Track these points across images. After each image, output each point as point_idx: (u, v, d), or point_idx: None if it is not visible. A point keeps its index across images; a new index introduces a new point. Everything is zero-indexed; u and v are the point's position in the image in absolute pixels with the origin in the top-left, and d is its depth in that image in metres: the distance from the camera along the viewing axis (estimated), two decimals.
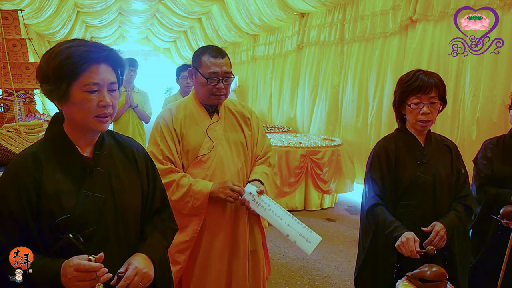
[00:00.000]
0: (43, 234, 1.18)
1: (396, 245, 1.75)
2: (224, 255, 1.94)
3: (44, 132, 1.38)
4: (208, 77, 1.88)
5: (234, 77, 1.97)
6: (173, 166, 1.90)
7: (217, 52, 1.92)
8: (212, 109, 2.00)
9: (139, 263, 1.25)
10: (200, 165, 1.92)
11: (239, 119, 2.05)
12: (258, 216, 1.98)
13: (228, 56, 1.96)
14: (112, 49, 1.24)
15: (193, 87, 2.03)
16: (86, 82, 1.17)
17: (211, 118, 1.99)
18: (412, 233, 1.75)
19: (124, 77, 1.32)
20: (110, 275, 1.15)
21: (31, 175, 1.18)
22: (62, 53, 1.16)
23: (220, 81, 1.90)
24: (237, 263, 1.96)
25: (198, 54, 1.94)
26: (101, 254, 1.14)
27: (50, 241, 1.17)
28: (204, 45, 2.33)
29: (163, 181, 1.77)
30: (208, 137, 1.94)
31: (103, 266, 1.13)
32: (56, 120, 1.29)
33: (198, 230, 1.89)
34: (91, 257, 1.12)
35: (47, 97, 1.23)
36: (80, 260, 1.11)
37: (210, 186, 1.85)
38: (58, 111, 1.29)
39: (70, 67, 1.14)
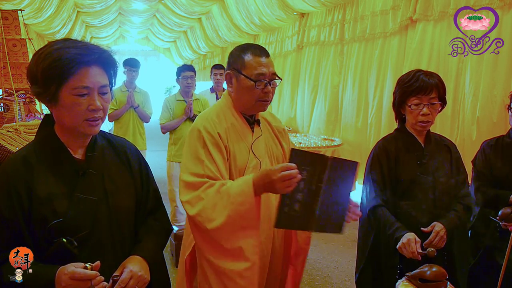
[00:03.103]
0: (36, 238, 1.16)
1: (397, 246, 1.75)
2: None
3: None
4: (256, 79, 1.60)
5: (281, 79, 1.70)
6: (209, 181, 1.50)
7: (261, 50, 1.65)
8: (252, 119, 1.72)
9: (134, 266, 1.22)
10: None
11: (276, 131, 1.82)
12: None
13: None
14: (104, 50, 1.21)
15: (230, 93, 1.71)
16: (75, 85, 1.14)
17: (253, 131, 1.71)
18: (413, 234, 1.75)
19: (116, 78, 1.28)
20: (105, 284, 1.12)
21: (22, 179, 1.16)
22: (52, 55, 1.13)
23: (268, 84, 1.62)
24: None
25: (239, 54, 1.65)
26: (98, 262, 1.12)
27: (43, 245, 1.15)
28: (204, 44, 2.15)
29: (193, 211, 1.46)
30: (253, 154, 1.67)
31: (99, 274, 1.11)
32: (47, 122, 1.26)
33: (257, 247, 1.45)
34: (87, 265, 1.10)
35: (36, 99, 1.21)
36: (76, 268, 1.09)
37: (251, 179, 1.43)
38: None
39: (59, 70, 1.11)
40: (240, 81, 1.63)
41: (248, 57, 1.62)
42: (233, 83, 1.67)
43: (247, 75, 1.61)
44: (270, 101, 1.68)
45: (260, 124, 1.75)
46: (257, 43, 1.75)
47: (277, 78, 1.65)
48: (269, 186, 1.38)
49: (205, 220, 1.44)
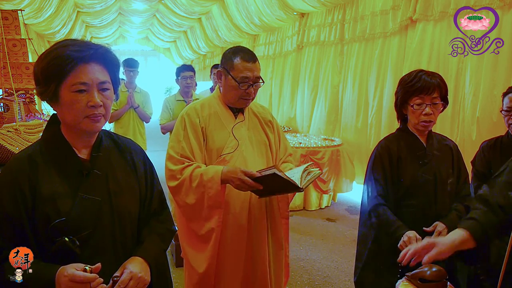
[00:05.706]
0: (39, 237, 1.16)
1: (398, 245, 1.76)
2: (241, 257, 1.90)
3: None
4: (240, 81, 1.85)
5: (264, 82, 1.95)
6: (187, 162, 1.86)
7: (250, 56, 1.88)
8: (237, 109, 1.99)
9: (135, 267, 1.22)
10: (223, 164, 1.88)
11: (262, 121, 2.06)
12: (282, 222, 2.07)
13: (258, 60, 1.94)
14: (100, 46, 1.20)
15: (220, 87, 2.00)
16: (73, 82, 1.14)
17: (236, 118, 1.97)
18: (414, 232, 1.75)
19: (119, 76, 1.28)
20: (104, 285, 1.13)
21: (27, 178, 1.17)
22: (50, 54, 1.15)
23: (251, 86, 1.87)
24: (255, 267, 1.93)
25: (230, 56, 1.89)
26: (98, 264, 1.13)
27: (46, 244, 1.16)
28: (204, 44, 2.31)
29: (173, 183, 1.84)
30: (233, 136, 1.92)
31: (98, 276, 1.11)
32: (53, 121, 1.27)
33: (221, 220, 1.83)
34: (86, 267, 1.10)
35: (40, 99, 1.21)
36: (76, 270, 1.09)
37: (221, 171, 1.78)
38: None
39: (57, 67, 1.13)
40: (227, 80, 1.90)
41: (237, 61, 1.86)
42: (222, 80, 1.94)
43: (234, 76, 1.86)
44: (252, 99, 1.95)
45: (245, 113, 2.01)
46: (246, 47, 1.96)
47: (260, 81, 1.91)
48: (231, 180, 1.74)
49: (182, 195, 1.83)
